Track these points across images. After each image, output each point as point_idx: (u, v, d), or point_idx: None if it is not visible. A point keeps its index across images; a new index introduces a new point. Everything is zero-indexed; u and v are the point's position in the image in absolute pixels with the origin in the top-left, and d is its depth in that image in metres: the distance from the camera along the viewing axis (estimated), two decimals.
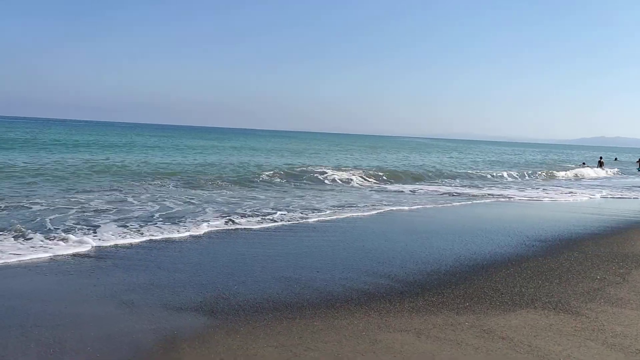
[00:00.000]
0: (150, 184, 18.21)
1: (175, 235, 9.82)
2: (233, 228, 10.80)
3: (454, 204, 16.95)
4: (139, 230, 10.00)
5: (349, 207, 14.92)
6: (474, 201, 17.96)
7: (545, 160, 61.85)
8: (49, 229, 9.81)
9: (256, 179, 21.77)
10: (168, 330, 5.22)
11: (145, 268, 7.49)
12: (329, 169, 26.47)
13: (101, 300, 6.10)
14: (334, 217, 12.91)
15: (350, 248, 9.36)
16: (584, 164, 46.61)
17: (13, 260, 7.56)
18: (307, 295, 6.50)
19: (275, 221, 11.79)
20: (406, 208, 15.29)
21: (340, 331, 5.32)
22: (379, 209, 14.68)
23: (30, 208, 12.06)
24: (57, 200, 13.53)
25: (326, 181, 22.78)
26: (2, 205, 12.17)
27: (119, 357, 4.57)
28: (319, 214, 13.24)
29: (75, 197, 14.20)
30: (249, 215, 12.40)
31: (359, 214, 13.66)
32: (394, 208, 15.15)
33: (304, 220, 12.15)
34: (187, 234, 9.98)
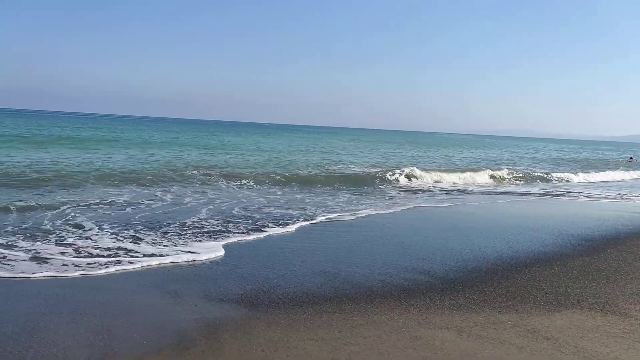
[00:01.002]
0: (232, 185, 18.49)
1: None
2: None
3: (498, 201, 16.63)
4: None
5: (387, 203, 14.86)
6: (516, 198, 17.57)
7: (604, 157, 58.33)
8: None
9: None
10: (210, 321, 5.33)
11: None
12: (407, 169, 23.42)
13: (147, 290, 6.27)
14: (372, 213, 12.88)
15: (389, 244, 9.31)
16: (631, 158, 45.01)
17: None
18: (346, 290, 6.52)
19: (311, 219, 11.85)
20: (447, 205, 15.10)
21: (379, 326, 5.31)
22: (419, 205, 14.55)
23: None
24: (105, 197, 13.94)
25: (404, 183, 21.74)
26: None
27: (164, 345, 4.70)
28: (357, 211, 13.22)
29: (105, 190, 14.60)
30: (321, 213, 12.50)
31: (398, 209, 13.57)
32: (435, 205, 14.99)
33: (343, 217, 12.16)
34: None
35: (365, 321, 5.46)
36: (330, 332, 5.11)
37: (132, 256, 7.63)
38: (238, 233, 9.62)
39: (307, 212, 12.32)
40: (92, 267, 7.00)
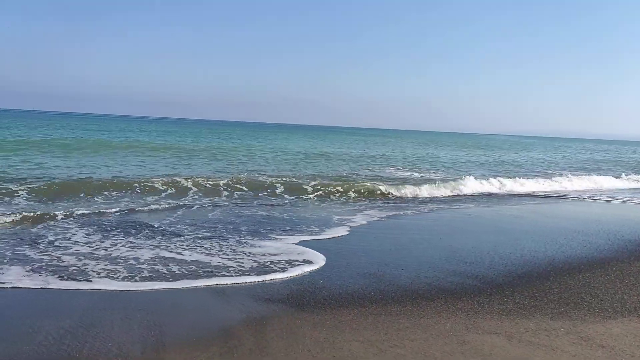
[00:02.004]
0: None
1: None
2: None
3: (550, 204, 16.13)
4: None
5: (435, 204, 14.68)
6: (568, 200, 17.00)
7: None
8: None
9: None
10: (257, 320, 5.41)
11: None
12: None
13: (196, 288, 6.42)
14: (418, 214, 12.74)
15: (436, 247, 9.18)
16: None
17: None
18: (392, 293, 6.48)
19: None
20: (497, 207, 14.77)
21: (426, 330, 5.25)
22: (469, 208, 14.30)
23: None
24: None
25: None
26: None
27: (213, 342, 4.79)
28: (403, 210, 13.11)
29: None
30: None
31: (446, 212, 13.38)
32: (485, 207, 14.68)
33: (387, 219, 12.09)
34: None
35: (411, 324, 5.41)
36: (376, 334, 5.09)
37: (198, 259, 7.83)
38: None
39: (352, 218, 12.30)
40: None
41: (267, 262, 7.63)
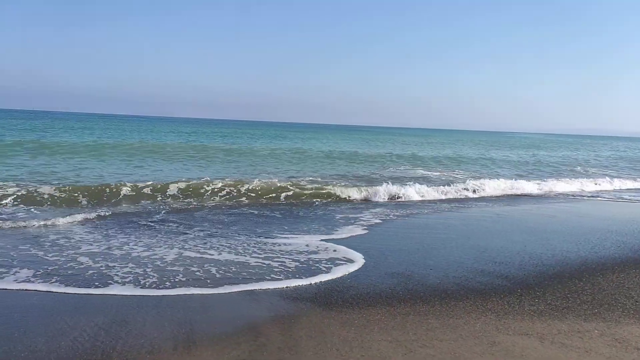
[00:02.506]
0: None
1: None
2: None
3: (582, 203, 15.79)
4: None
5: (461, 203, 14.53)
6: (601, 199, 16.61)
7: None
8: None
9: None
10: (286, 318, 5.44)
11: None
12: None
13: (224, 286, 6.48)
14: (442, 213, 12.63)
15: (464, 246, 9.08)
16: None
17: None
18: (420, 292, 6.44)
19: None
20: (525, 207, 14.53)
21: (456, 330, 5.21)
22: (496, 207, 14.11)
23: None
24: None
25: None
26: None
27: (242, 340, 4.84)
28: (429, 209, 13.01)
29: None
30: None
31: (473, 211, 13.22)
32: (515, 207, 14.46)
33: (405, 217, 12.01)
34: None
35: (440, 324, 5.36)
36: (404, 334, 5.06)
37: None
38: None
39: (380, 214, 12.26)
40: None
41: (308, 261, 7.67)
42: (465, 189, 17.43)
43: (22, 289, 6.10)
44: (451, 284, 6.81)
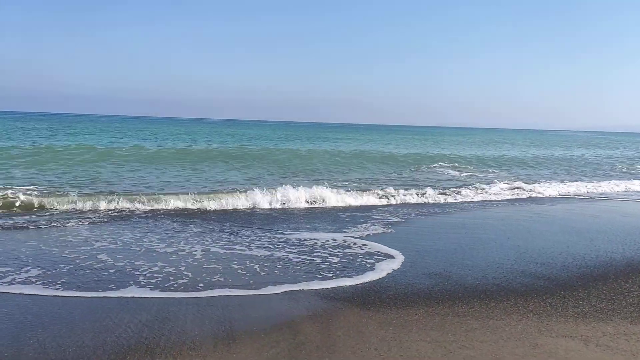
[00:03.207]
0: None
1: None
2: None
3: (627, 202, 15.28)
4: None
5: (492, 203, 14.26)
6: None
7: None
8: None
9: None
10: (323, 318, 5.46)
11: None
12: None
13: (263, 285, 6.56)
14: (484, 212, 12.42)
15: (503, 247, 8.92)
16: None
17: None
18: (459, 293, 6.36)
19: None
20: (566, 206, 14.15)
21: (496, 332, 5.12)
22: (535, 207, 13.79)
23: None
24: None
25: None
26: None
27: (281, 339, 4.89)
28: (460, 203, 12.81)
29: None
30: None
31: (513, 211, 12.96)
32: (555, 206, 14.11)
33: (451, 215, 11.86)
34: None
35: (480, 325, 5.29)
36: (443, 335, 5.02)
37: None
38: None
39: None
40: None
41: (352, 259, 7.70)
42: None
43: (69, 295, 6.31)
44: (491, 285, 6.71)
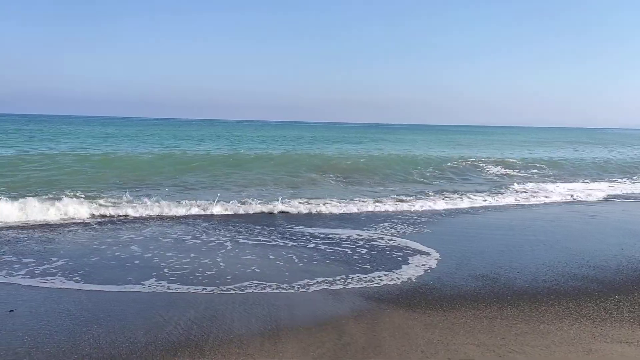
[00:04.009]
0: None
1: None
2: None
3: None
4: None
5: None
6: None
7: None
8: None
9: None
10: (368, 318, 5.44)
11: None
12: None
13: (308, 285, 6.60)
14: (531, 214, 12.09)
15: (553, 249, 8.66)
16: None
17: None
18: (507, 296, 6.22)
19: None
20: (617, 207, 13.61)
21: (547, 336, 4.98)
22: (587, 208, 13.32)
23: None
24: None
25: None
26: None
27: (326, 339, 4.90)
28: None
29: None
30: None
31: (563, 212, 12.56)
32: (606, 207, 13.60)
33: (499, 218, 11.61)
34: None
35: (531, 329, 5.15)
36: (492, 338, 4.91)
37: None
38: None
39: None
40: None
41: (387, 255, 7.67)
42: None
43: (127, 290, 6.52)
44: (541, 288, 6.53)
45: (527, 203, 14.42)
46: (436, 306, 5.85)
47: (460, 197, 14.79)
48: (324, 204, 12.59)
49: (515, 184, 18.58)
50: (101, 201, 11.91)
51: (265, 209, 12.07)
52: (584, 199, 15.35)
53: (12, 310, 5.50)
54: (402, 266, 7.48)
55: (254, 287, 6.45)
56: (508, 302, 6.02)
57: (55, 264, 7.26)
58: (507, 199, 14.92)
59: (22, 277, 6.67)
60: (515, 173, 23.03)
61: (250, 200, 12.55)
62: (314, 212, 12.04)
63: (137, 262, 7.46)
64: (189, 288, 6.37)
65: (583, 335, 5.03)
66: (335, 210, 12.17)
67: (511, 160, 28.44)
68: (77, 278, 6.68)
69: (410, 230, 10.12)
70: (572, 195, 15.95)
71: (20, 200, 10.87)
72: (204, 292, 6.26)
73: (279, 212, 11.91)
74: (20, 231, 9.37)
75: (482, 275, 7.07)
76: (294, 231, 9.79)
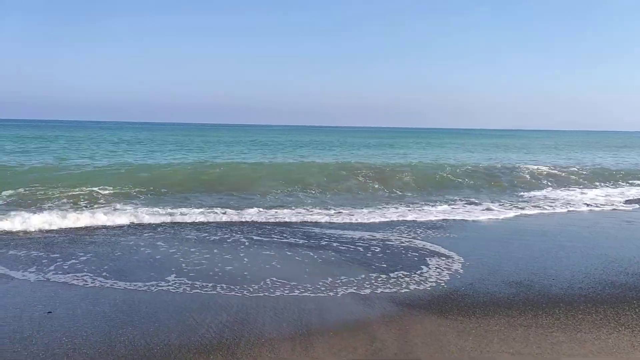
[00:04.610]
0: None
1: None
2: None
3: None
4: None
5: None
6: None
7: None
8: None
9: None
10: (400, 324, 5.40)
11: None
12: None
13: (338, 289, 6.58)
14: (565, 220, 11.81)
15: (589, 256, 8.44)
16: None
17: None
18: (542, 304, 6.08)
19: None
20: None
21: (585, 345, 4.86)
22: (624, 214, 12.95)
23: None
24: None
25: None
26: None
27: (358, 344, 4.88)
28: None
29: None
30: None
31: (601, 217, 12.24)
32: None
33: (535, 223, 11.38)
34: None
35: (567, 338, 5.03)
36: (527, 347, 4.82)
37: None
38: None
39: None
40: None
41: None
42: None
43: (156, 289, 6.63)
44: (577, 296, 6.37)
45: (561, 210, 14.10)
46: (469, 313, 5.77)
47: (492, 203, 14.57)
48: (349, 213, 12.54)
49: (548, 188, 18.19)
50: None
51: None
52: (621, 205, 14.93)
53: (50, 312, 5.64)
54: (432, 271, 7.40)
55: (284, 290, 6.48)
56: (543, 309, 5.89)
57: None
58: (538, 204, 14.62)
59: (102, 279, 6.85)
60: (550, 177, 22.53)
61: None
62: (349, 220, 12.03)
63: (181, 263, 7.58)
64: (219, 290, 6.44)
65: (622, 344, 4.89)
66: (364, 219, 12.13)
67: (546, 164, 27.91)
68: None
69: (438, 235, 10.01)
70: (608, 201, 15.54)
71: None
72: (234, 294, 6.32)
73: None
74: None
75: (515, 281, 6.94)
76: (326, 234, 9.80)
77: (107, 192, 14.37)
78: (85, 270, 7.26)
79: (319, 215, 12.03)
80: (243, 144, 45.30)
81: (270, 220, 11.35)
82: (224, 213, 11.86)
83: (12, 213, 10.77)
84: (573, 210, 13.73)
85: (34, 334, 5.04)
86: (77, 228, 10.23)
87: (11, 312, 5.65)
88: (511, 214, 12.93)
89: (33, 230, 9.89)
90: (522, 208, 13.84)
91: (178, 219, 11.26)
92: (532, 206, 14.24)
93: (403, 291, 6.54)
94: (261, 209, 12.57)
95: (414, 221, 11.55)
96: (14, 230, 9.83)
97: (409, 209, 13.31)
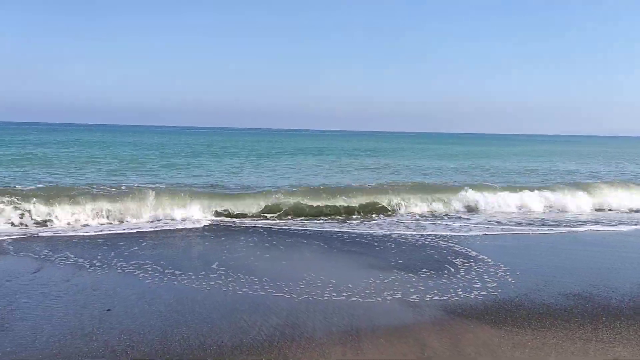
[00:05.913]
0: None
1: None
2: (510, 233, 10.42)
3: None
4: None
5: None
6: None
7: None
8: None
9: None
10: (451, 333, 5.31)
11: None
12: None
13: (387, 296, 6.53)
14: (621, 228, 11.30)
15: None
16: None
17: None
18: (602, 317, 5.84)
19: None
20: None
21: None
22: None
23: None
24: None
25: None
26: None
27: (407, 351, 4.82)
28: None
29: None
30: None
31: None
32: None
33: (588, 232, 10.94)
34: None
35: (630, 354, 4.81)
36: None
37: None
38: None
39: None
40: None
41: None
42: None
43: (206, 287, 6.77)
44: None
45: (623, 219, 13.50)
46: (524, 324, 5.60)
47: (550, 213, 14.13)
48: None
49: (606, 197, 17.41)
50: None
51: None
52: None
53: (109, 310, 5.86)
54: (482, 279, 7.23)
55: (332, 294, 6.49)
56: (603, 323, 5.65)
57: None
58: (600, 215, 14.06)
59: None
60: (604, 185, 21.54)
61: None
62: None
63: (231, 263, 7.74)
64: (269, 293, 6.52)
65: None
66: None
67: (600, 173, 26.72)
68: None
69: (491, 244, 9.78)
70: None
71: None
72: (284, 297, 6.38)
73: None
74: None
75: (573, 293, 6.69)
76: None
77: None
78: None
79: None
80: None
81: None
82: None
83: None
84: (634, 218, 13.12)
85: (94, 330, 5.24)
86: None
87: (72, 308, 5.89)
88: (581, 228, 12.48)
89: None
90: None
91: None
92: (589, 214, 13.70)
93: (453, 299, 6.42)
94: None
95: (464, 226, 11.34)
96: None
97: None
